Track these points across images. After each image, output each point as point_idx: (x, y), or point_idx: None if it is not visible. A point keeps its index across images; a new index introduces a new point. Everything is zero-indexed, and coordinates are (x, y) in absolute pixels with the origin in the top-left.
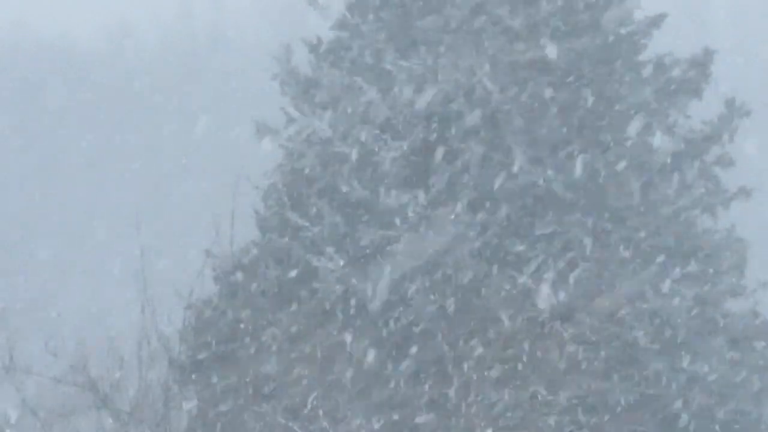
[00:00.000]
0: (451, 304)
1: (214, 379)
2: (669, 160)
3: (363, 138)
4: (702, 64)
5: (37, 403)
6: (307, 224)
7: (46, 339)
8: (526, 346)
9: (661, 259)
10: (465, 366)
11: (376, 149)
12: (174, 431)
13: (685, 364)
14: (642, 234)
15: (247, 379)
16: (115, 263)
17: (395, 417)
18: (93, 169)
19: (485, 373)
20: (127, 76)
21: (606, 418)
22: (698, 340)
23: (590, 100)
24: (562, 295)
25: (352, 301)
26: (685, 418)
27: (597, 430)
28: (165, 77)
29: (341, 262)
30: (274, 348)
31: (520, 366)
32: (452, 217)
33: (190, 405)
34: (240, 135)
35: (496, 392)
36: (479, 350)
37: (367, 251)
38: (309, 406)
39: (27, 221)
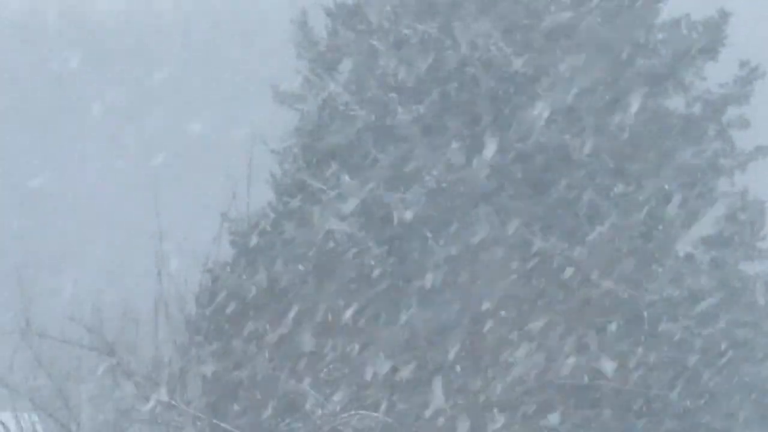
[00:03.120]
0: (464, 265)
1: (231, 343)
2: (685, 123)
3: (379, 101)
4: (717, 26)
5: (52, 367)
6: (323, 187)
7: (62, 302)
8: (538, 308)
9: (677, 222)
10: (477, 325)
11: (393, 112)
12: (190, 395)
13: (701, 327)
14: (658, 197)
15: (264, 343)
16: (131, 225)
17: (410, 378)
18: (108, 132)
19: (499, 332)
20: (144, 42)
21: (620, 381)
22: (714, 303)
23: (607, 63)
24: (578, 258)
25: (369, 263)
26: (702, 379)
27: (616, 392)
28: (181, 43)
29: (357, 225)
30: (290, 311)
31: (533, 329)
32: (467, 181)
33: (206, 368)
34: (256, 99)
35: (513, 349)
36: (491, 311)
37: (383, 214)
38: (325, 370)
39: (41, 183)
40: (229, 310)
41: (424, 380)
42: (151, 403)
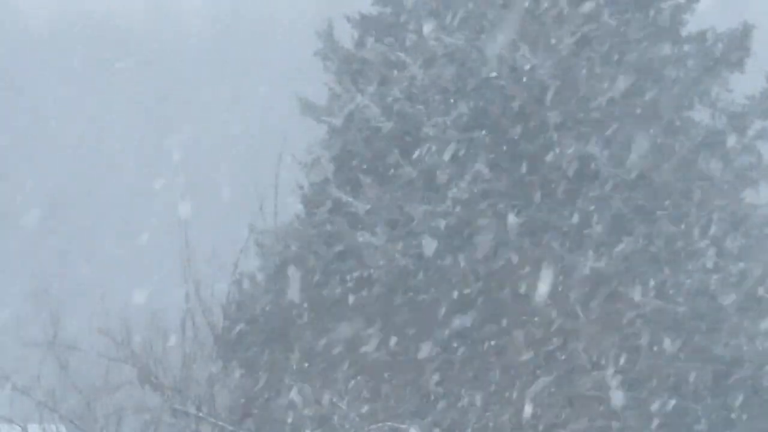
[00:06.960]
0: (489, 279)
1: (258, 354)
2: (711, 135)
3: (406, 114)
4: (742, 38)
5: (80, 379)
6: (350, 199)
7: (90, 314)
8: (566, 320)
9: (704, 233)
10: (506, 338)
11: (420, 125)
12: (218, 406)
13: (729, 338)
14: (685, 209)
15: (291, 354)
16: (158, 238)
17: (439, 390)
18: (135, 144)
19: (523, 347)
20: (168, 51)
21: (647, 393)
22: (742, 315)
23: (633, 75)
24: (605, 271)
25: (395, 277)
26: (730, 391)
27: (639, 405)
28: (207, 54)
29: (385, 238)
30: (317, 322)
31: (560, 340)
32: (494, 192)
33: (233, 380)
34: (284, 110)
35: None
36: (515, 326)
37: (412, 226)
38: (352, 383)
39: (66, 196)
40: (256, 322)
41: (453, 392)
42: (179, 415)
